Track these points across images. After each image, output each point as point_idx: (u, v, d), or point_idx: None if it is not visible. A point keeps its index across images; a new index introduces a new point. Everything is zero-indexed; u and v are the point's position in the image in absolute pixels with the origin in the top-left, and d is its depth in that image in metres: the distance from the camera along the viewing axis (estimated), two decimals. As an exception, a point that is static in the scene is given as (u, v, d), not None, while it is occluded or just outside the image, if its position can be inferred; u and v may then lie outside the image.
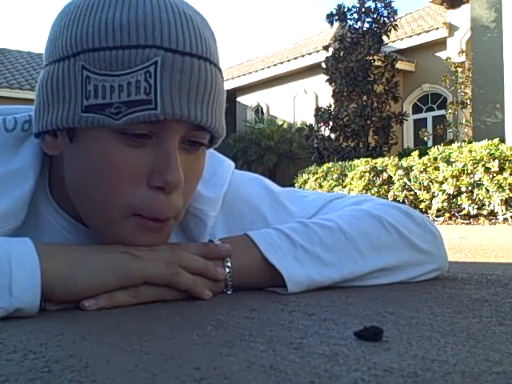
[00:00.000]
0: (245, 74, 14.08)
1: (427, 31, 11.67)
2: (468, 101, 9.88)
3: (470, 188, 5.85)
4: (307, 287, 0.77)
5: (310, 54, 12.28)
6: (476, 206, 5.81)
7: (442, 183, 6.11)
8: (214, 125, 0.69)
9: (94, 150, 0.67)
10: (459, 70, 10.09)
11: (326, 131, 10.34)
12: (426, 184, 6.32)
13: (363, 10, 10.19)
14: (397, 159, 6.97)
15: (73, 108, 0.66)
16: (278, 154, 12.07)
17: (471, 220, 5.90)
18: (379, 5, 10.18)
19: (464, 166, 5.86)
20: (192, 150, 0.71)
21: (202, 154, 0.74)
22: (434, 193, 6.23)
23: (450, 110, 10.26)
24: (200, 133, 0.70)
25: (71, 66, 0.66)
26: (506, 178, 5.49)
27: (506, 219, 5.54)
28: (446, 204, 6.08)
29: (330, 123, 10.11)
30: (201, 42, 0.67)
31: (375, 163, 7.19)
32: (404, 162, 6.73)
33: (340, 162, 8.13)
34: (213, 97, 0.68)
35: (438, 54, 11.47)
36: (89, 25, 0.66)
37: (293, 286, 0.76)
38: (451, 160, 6.07)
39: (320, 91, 11.96)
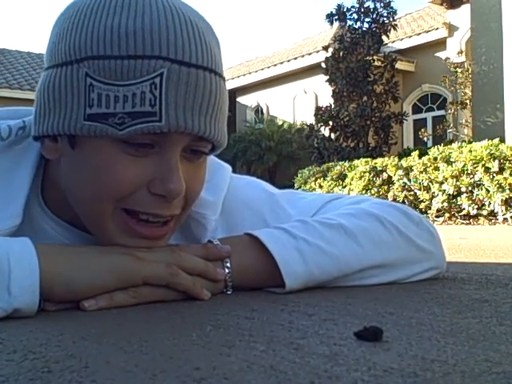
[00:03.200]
0: (244, 75, 14.08)
1: (427, 31, 11.67)
2: (468, 101, 9.88)
3: (469, 188, 5.84)
4: (305, 282, 0.77)
5: (309, 54, 12.28)
6: (476, 206, 5.80)
7: (441, 183, 6.10)
8: (217, 136, 0.69)
9: (95, 158, 0.67)
10: (459, 70, 10.09)
11: (326, 131, 10.34)
12: (425, 184, 6.31)
13: (362, 10, 10.19)
14: (397, 159, 6.96)
15: (75, 115, 0.65)
16: (277, 154, 12.06)
17: (471, 220, 5.90)
18: (378, 5, 10.18)
19: (464, 166, 5.85)
20: (193, 158, 0.71)
21: (204, 162, 0.74)
22: (433, 193, 6.22)
23: (449, 110, 10.26)
24: (202, 143, 0.70)
25: (74, 71, 0.65)
26: (506, 178, 5.49)
27: (505, 219, 5.54)
28: (445, 204, 6.07)
29: (330, 123, 10.12)
30: (207, 53, 0.67)
31: (375, 163, 7.18)
32: (404, 162, 6.72)
33: (340, 162, 8.13)
34: (216, 107, 0.68)
35: (437, 54, 11.47)
36: (93, 30, 0.64)
37: (290, 280, 0.75)
38: (451, 160, 6.06)
39: (320, 91, 11.95)
